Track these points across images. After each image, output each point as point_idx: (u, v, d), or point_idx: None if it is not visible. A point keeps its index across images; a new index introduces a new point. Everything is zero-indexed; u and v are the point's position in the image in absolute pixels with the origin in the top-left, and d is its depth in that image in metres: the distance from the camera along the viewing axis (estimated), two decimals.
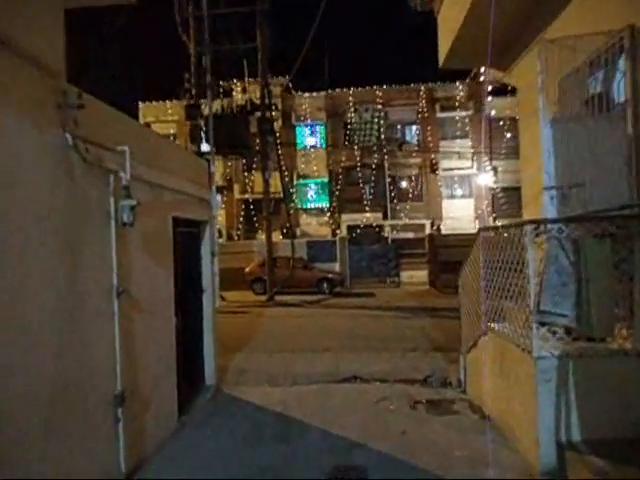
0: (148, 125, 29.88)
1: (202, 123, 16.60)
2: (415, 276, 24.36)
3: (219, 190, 30.77)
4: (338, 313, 14.69)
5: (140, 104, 29.79)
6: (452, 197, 28.43)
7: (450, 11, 7.21)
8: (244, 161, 28.93)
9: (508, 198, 27.28)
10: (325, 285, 19.25)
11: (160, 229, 5.07)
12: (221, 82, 17.54)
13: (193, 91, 17.17)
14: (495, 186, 27.33)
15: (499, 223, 27.23)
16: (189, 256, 6.19)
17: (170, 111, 29.55)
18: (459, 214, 27.78)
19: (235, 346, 9.26)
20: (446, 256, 20.27)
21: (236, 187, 29.20)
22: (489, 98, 27.17)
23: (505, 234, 4.76)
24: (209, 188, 6.64)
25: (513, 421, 4.46)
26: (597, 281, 3.87)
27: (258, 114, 18.02)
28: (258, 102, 18.33)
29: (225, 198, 29.71)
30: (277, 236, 27.19)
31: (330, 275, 19.54)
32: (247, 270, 19.59)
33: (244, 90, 18.66)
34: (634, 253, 4.00)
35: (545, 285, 4.10)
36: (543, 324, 4.07)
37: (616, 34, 4.74)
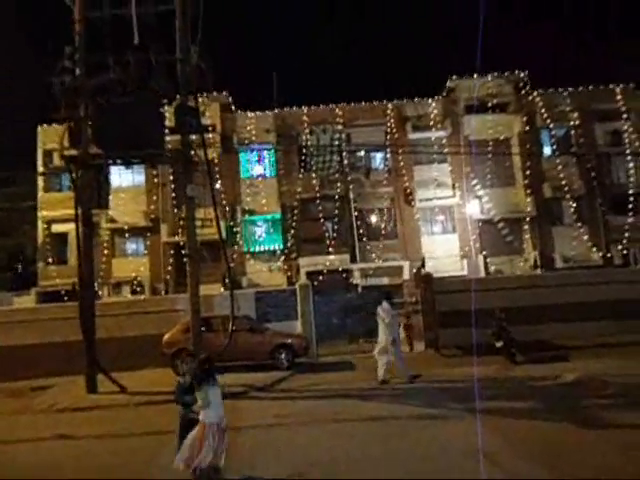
0: (49, 154, 23.50)
1: (83, 111, 10.70)
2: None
3: (140, 232, 24.52)
4: (310, 411, 8.61)
5: (39, 128, 23.47)
6: (432, 233, 23.54)
7: None
8: (173, 195, 22.99)
9: (500, 232, 22.74)
10: (283, 355, 13.12)
11: None
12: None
13: (77, 71, 11.37)
14: (482, 217, 22.77)
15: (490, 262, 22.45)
16: None
17: None
18: (441, 252, 22.83)
19: None
20: (447, 305, 14.94)
21: (164, 228, 22.94)
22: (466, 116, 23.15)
23: None
24: None
25: None
26: None
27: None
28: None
29: (149, 242, 23.37)
30: (218, 288, 20.99)
31: (290, 340, 13.44)
32: (166, 338, 13.16)
33: None
34: None
35: None
36: None
37: None
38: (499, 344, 12.49)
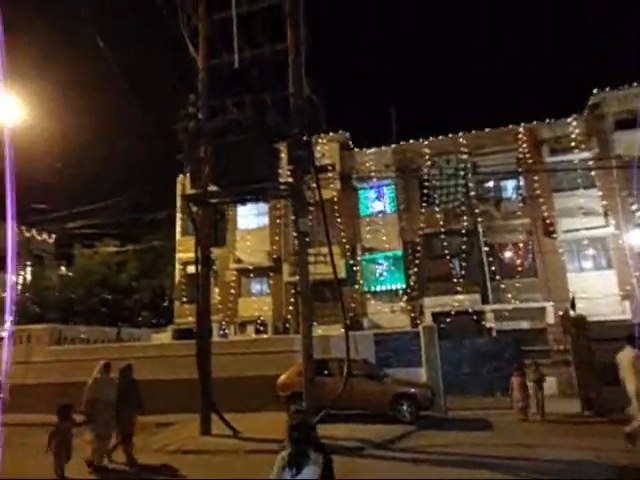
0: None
1: (203, 151, 11.03)
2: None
3: (264, 272, 25.14)
4: None
5: (179, 177, 25.76)
6: (581, 269, 20.23)
7: None
8: (295, 234, 23.25)
9: None
10: (405, 406, 11.65)
11: None
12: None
13: (199, 115, 11.91)
14: None
15: None
16: None
17: None
18: (594, 292, 19.35)
19: None
20: (608, 356, 12.13)
21: (285, 267, 23.18)
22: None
23: None
24: None
25: None
26: None
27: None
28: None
29: (272, 282, 23.74)
30: (338, 329, 20.25)
31: (412, 390, 11.95)
32: (280, 380, 12.59)
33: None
34: None
35: None
36: None
37: None
38: None
